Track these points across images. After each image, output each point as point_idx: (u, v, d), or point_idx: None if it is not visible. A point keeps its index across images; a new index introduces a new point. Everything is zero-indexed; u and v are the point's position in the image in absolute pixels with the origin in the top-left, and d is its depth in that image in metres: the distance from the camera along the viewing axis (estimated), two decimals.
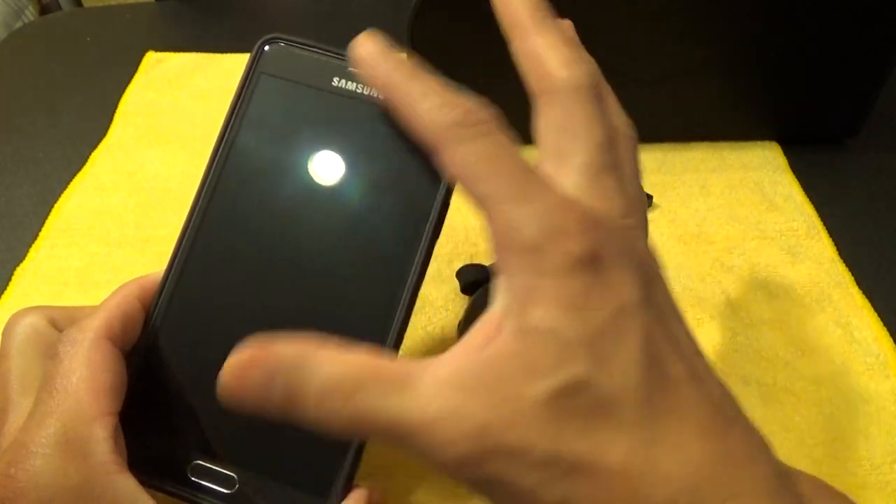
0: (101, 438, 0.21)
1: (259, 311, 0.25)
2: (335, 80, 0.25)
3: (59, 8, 1.10)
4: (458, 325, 0.35)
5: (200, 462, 0.24)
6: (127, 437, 0.23)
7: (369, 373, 0.18)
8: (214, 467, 0.24)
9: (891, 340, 0.37)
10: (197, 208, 0.25)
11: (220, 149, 0.25)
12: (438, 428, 0.17)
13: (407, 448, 0.18)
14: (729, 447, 0.18)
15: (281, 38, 0.26)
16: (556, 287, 0.18)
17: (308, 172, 0.25)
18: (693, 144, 0.48)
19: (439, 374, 0.19)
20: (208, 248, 0.25)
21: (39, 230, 0.43)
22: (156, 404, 0.25)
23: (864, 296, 0.39)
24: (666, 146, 0.48)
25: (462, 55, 0.45)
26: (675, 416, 0.18)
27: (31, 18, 1.02)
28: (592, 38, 0.44)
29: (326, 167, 0.25)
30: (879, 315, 0.38)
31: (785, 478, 0.19)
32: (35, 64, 0.59)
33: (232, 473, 0.24)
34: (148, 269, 0.42)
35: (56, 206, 0.44)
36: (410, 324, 0.37)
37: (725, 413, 0.19)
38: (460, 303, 0.38)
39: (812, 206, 0.44)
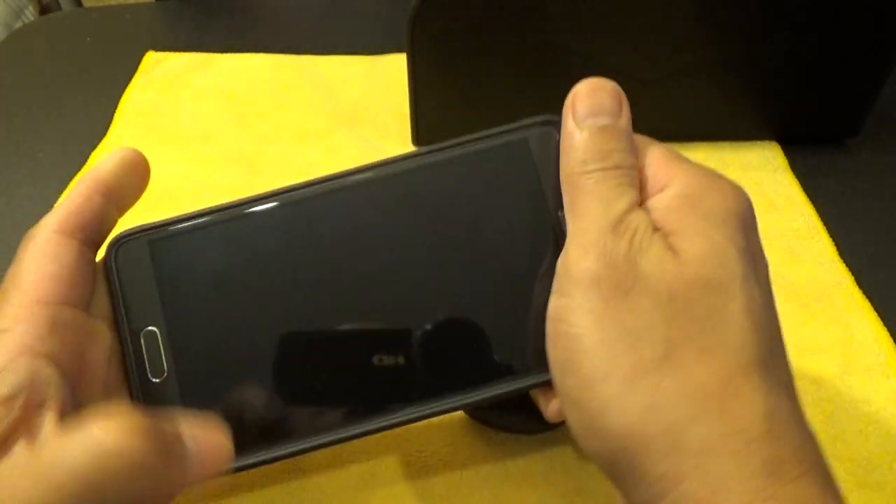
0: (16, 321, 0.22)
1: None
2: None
3: (59, 8, 1.10)
4: None
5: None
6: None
7: None
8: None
9: (891, 340, 0.37)
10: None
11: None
12: None
13: None
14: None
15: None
16: None
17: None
18: (693, 144, 0.48)
19: None
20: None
21: None
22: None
23: (864, 296, 0.39)
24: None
25: (462, 55, 0.45)
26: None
27: (31, 18, 1.02)
28: (593, 39, 0.44)
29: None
30: (879, 315, 0.38)
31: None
32: (35, 64, 0.59)
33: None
34: None
35: (56, 205, 0.44)
36: None
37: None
38: None
39: (812, 206, 0.44)
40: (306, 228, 0.26)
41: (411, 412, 0.25)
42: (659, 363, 0.21)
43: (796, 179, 0.46)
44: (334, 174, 0.26)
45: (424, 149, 0.26)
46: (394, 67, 0.56)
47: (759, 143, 0.49)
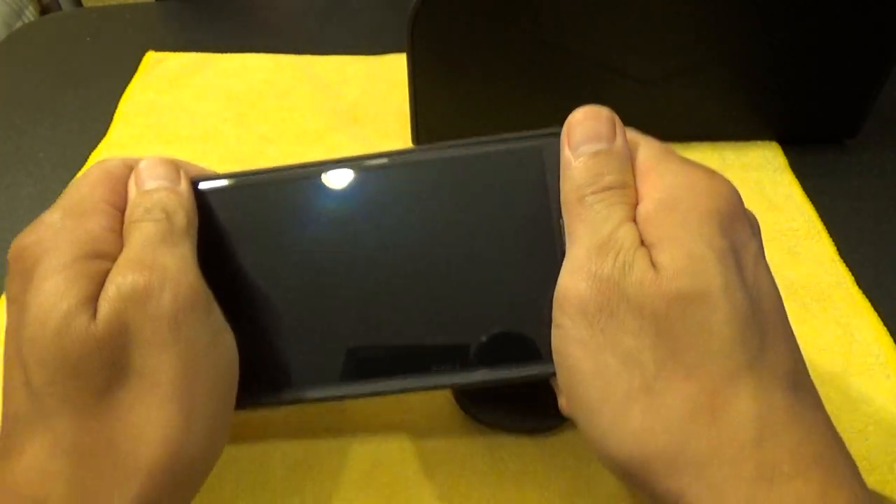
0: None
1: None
2: None
3: (59, 8, 1.10)
4: None
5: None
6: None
7: None
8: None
9: (891, 340, 0.37)
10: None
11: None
12: None
13: None
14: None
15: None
16: None
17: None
18: (693, 144, 0.48)
19: None
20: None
21: None
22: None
23: (864, 296, 0.39)
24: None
25: (462, 55, 0.45)
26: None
27: (31, 18, 1.02)
28: (593, 39, 0.44)
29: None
30: (879, 315, 0.38)
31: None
32: (35, 64, 0.59)
33: None
34: None
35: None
36: None
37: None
38: None
39: (812, 206, 0.44)
40: (338, 200, 0.28)
41: (413, 382, 0.27)
42: (649, 386, 0.21)
43: (796, 179, 0.46)
44: (368, 155, 0.28)
45: (449, 143, 0.28)
46: (394, 67, 0.56)
47: (759, 143, 0.49)
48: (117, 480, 0.21)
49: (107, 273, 0.23)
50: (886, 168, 0.48)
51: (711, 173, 0.24)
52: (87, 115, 0.52)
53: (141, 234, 0.24)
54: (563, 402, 0.25)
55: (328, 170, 0.28)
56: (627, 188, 0.24)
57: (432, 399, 0.34)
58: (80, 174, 0.28)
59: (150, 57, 0.58)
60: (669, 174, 0.24)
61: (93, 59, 0.59)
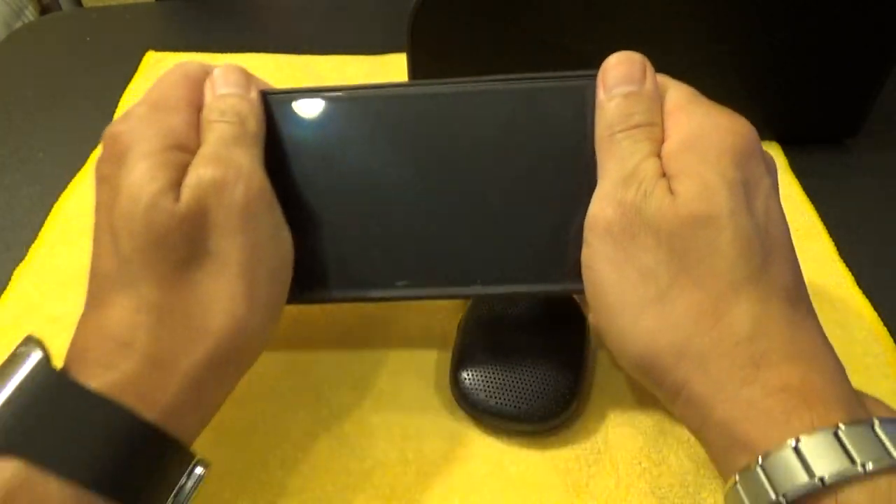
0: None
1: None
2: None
3: (59, 8, 1.10)
4: (458, 325, 0.35)
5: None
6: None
7: None
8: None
9: (891, 340, 0.37)
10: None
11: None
12: None
13: None
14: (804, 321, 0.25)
15: None
16: None
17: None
18: None
19: None
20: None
21: (39, 230, 0.43)
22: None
23: (864, 296, 0.39)
24: None
25: (462, 55, 0.45)
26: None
27: (31, 18, 1.02)
28: (592, 39, 0.44)
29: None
30: (879, 315, 0.38)
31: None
32: (35, 64, 0.59)
33: None
34: None
35: (56, 206, 0.44)
36: (409, 323, 0.37)
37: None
38: (460, 303, 0.38)
39: (812, 206, 0.44)
40: (394, 120, 0.30)
41: (453, 290, 0.31)
42: (662, 294, 0.25)
43: (796, 179, 0.46)
44: (427, 81, 0.31)
45: (503, 76, 0.30)
46: (394, 67, 0.56)
47: None
48: (189, 340, 0.25)
49: (186, 164, 0.26)
50: (886, 168, 0.48)
51: (733, 115, 0.27)
52: (87, 115, 0.52)
53: (217, 134, 0.27)
54: (592, 318, 0.28)
55: (386, 92, 0.31)
56: (654, 126, 0.27)
57: (432, 400, 0.34)
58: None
59: (150, 57, 0.58)
60: (695, 115, 0.27)
61: (93, 59, 0.59)
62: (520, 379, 0.32)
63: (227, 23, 0.65)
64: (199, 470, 0.26)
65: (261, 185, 0.27)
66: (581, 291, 0.28)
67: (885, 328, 0.37)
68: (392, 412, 0.33)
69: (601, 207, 0.27)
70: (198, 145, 0.27)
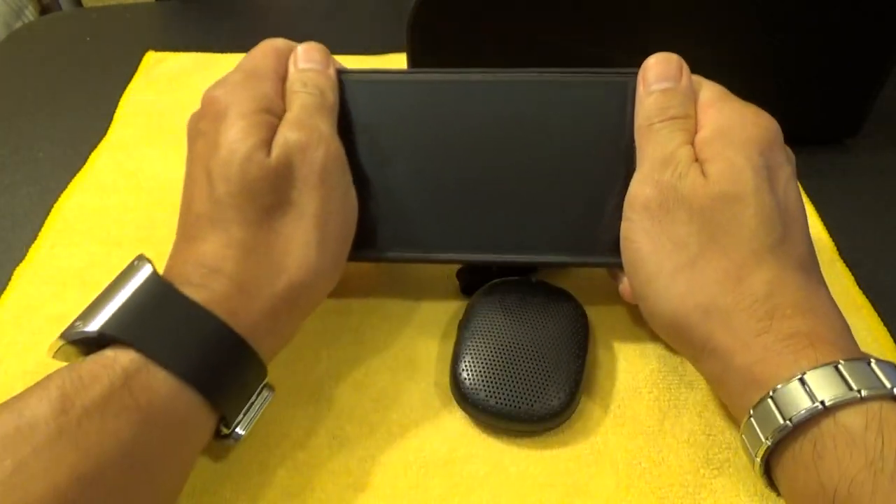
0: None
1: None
2: None
3: (59, 8, 1.10)
4: (459, 325, 0.35)
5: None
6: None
7: None
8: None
9: (891, 340, 0.37)
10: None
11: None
12: None
13: None
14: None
15: None
16: None
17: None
18: None
19: None
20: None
21: (39, 230, 0.43)
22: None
23: (864, 296, 0.39)
24: None
25: (462, 55, 0.45)
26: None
27: (31, 18, 1.02)
28: (591, 41, 0.44)
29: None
30: (879, 315, 0.38)
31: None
32: (35, 64, 0.59)
33: None
34: None
35: (56, 206, 0.44)
36: (409, 323, 0.37)
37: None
38: (460, 303, 0.38)
39: (812, 206, 0.44)
40: (456, 103, 0.34)
41: (501, 257, 0.34)
42: (693, 261, 0.29)
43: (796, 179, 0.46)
44: (487, 70, 0.35)
45: (556, 70, 0.35)
46: (394, 67, 0.56)
47: None
48: (269, 274, 0.29)
49: (274, 126, 0.31)
50: (886, 168, 0.48)
51: (758, 111, 0.31)
52: (87, 115, 0.52)
53: (301, 102, 0.32)
54: (622, 288, 0.33)
55: (448, 77, 0.35)
56: (689, 118, 0.31)
57: (432, 400, 0.34)
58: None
59: (150, 57, 0.58)
60: (724, 110, 0.31)
61: (93, 59, 0.59)
62: (520, 379, 0.32)
63: (227, 23, 0.65)
64: (266, 392, 0.30)
65: (337, 150, 0.32)
66: (618, 264, 0.32)
67: (885, 328, 0.37)
68: (392, 412, 0.33)
69: (641, 187, 0.31)
70: (283, 110, 0.32)
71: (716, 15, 0.43)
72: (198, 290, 0.27)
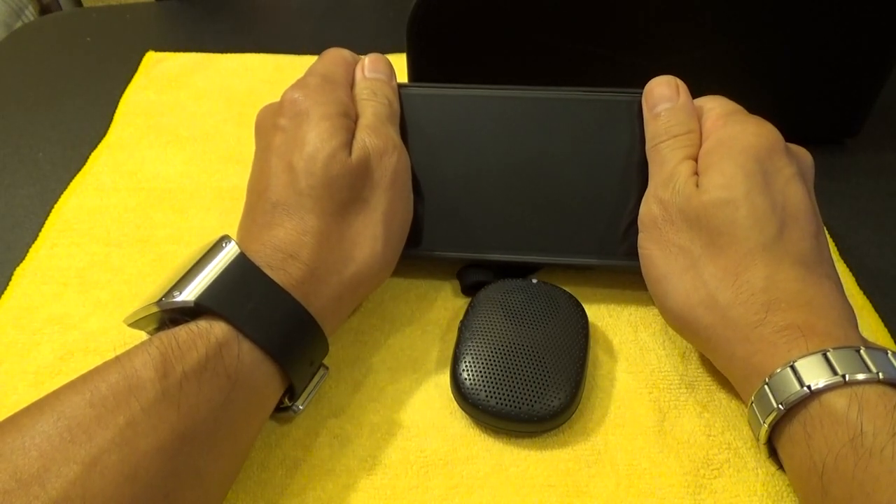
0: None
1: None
2: None
3: (59, 8, 1.10)
4: (459, 325, 0.35)
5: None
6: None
7: None
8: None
9: (891, 340, 0.37)
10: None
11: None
12: None
13: None
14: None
15: None
16: None
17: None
18: None
19: None
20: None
21: (39, 230, 0.43)
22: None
23: (864, 296, 0.39)
24: None
25: (462, 55, 0.45)
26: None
27: (31, 18, 1.02)
28: (590, 41, 0.44)
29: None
30: (879, 315, 0.38)
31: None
32: (35, 64, 0.59)
33: None
34: (148, 269, 0.42)
35: (56, 206, 0.44)
36: (409, 323, 0.37)
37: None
38: (461, 303, 0.38)
39: None
40: (492, 117, 0.38)
41: (530, 258, 0.38)
42: (695, 262, 0.32)
43: None
44: (518, 87, 0.39)
45: (576, 88, 0.38)
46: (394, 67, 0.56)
47: None
48: (340, 262, 0.32)
49: (351, 129, 0.34)
50: (886, 168, 0.48)
51: (761, 122, 0.33)
52: (87, 115, 0.52)
53: (374, 110, 0.36)
54: (649, 287, 0.35)
55: (488, 94, 0.39)
56: (691, 133, 0.35)
57: (432, 400, 0.34)
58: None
59: (150, 57, 0.58)
60: (729, 123, 0.34)
61: (93, 59, 0.59)
62: (520, 379, 0.32)
63: (226, 23, 0.65)
64: (323, 371, 0.33)
65: (406, 157, 0.36)
66: (636, 267, 0.35)
67: (885, 328, 0.37)
68: (392, 412, 0.33)
69: (648, 206, 0.34)
70: (356, 114, 0.35)
71: (716, 15, 0.43)
72: (277, 273, 0.30)
